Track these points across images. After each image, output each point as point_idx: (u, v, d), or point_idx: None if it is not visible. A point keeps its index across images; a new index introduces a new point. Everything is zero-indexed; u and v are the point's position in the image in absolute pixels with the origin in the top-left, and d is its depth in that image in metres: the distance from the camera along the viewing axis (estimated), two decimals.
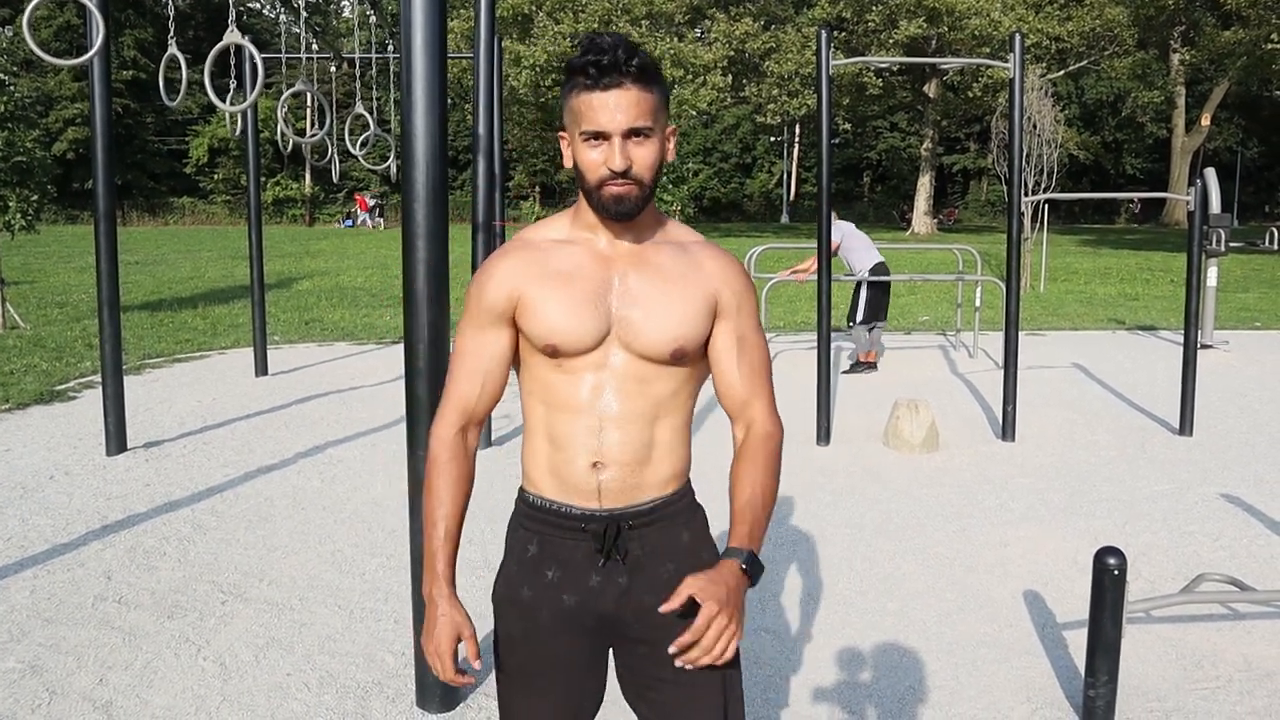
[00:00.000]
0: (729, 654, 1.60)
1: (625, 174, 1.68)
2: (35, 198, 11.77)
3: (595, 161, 1.69)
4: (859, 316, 9.54)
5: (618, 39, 1.66)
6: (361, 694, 3.36)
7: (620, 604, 1.80)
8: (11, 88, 11.72)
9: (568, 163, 1.74)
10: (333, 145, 10.01)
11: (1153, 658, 3.67)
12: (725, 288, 1.80)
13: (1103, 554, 3.11)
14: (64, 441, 6.66)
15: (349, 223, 43.69)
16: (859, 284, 9.61)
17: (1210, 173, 10.61)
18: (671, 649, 1.60)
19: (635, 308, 1.75)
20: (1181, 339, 7.92)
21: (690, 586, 1.60)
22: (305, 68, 8.71)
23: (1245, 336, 11.95)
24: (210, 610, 4.01)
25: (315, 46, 9.73)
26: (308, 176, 48.46)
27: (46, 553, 4.63)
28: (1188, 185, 7.26)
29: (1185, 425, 7.01)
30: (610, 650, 1.88)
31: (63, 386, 8.48)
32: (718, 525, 1.91)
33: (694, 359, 1.81)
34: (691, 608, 1.61)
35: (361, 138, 9.88)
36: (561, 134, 1.75)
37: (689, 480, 1.88)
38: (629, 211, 1.71)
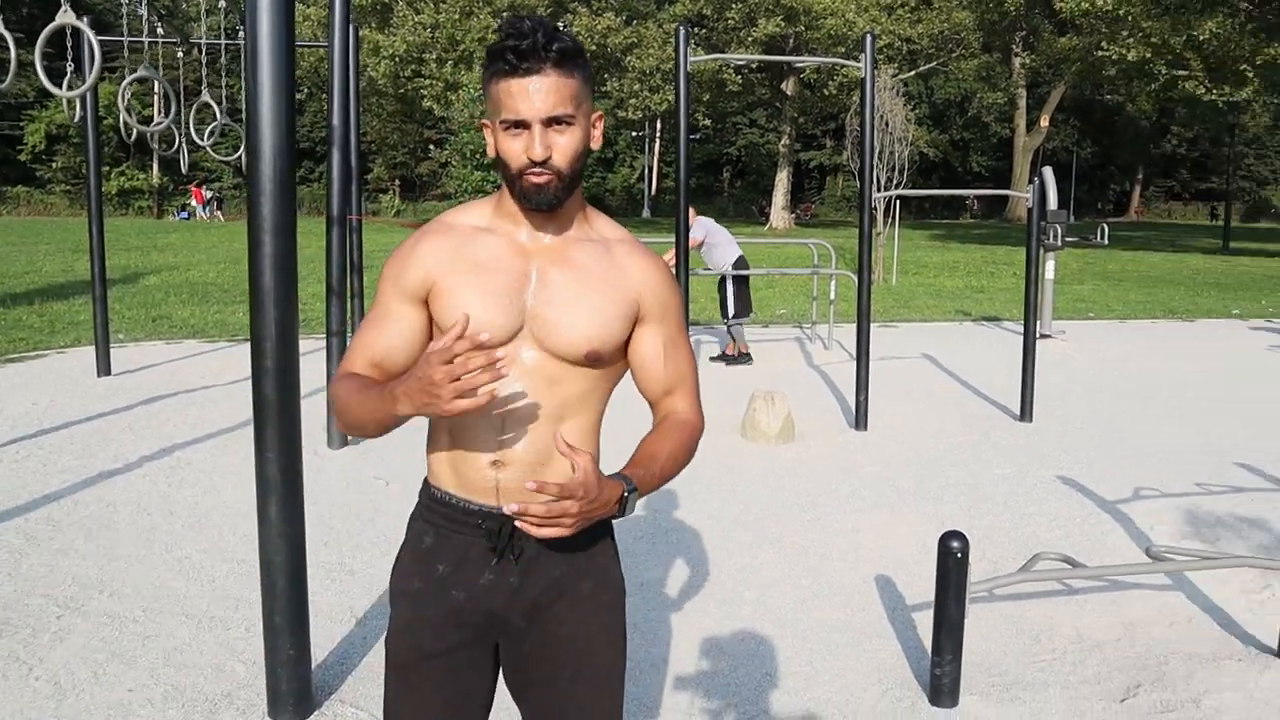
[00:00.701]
0: (549, 531, 1.54)
1: (545, 163, 1.63)
2: None
3: (515, 150, 1.64)
4: (730, 311, 9.73)
5: (538, 22, 1.60)
6: (210, 707, 3.23)
7: (509, 603, 1.77)
8: None
9: (491, 152, 1.69)
10: (180, 135, 9.59)
11: (995, 634, 3.84)
12: (648, 292, 1.76)
13: (946, 538, 3.24)
14: None
15: (184, 215, 41.91)
16: (724, 279, 9.77)
17: (1048, 171, 11.17)
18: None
19: (551, 306, 1.70)
20: (1022, 329, 8.31)
21: (576, 480, 1.53)
22: (150, 52, 8.33)
23: (1080, 326, 12.63)
24: (44, 626, 3.80)
25: (161, 30, 9.30)
26: (155, 167, 46.35)
27: None
28: (1028, 183, 7.62)
29: (1025, 412, 7.36)
30: (497, 649, 1.85)
31: None
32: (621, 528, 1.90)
33: (609, 362, 1.77)
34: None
35: (210, 127, 9.51)
36: (484, 122, 1.70)
37: None
38: (549, 202, 1.66)
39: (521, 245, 1.74)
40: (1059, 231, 10.92)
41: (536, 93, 1.61)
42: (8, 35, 5.75)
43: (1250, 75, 27.73)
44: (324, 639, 3.64)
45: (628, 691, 3.36)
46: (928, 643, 3.66)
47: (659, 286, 1.78)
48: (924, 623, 3.87)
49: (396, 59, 35.14)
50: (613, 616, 1.86)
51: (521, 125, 1.63)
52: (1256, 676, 3.51)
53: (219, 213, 42.64)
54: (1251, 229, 45.06)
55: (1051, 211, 11.00)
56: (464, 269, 1.72)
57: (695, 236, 9.60)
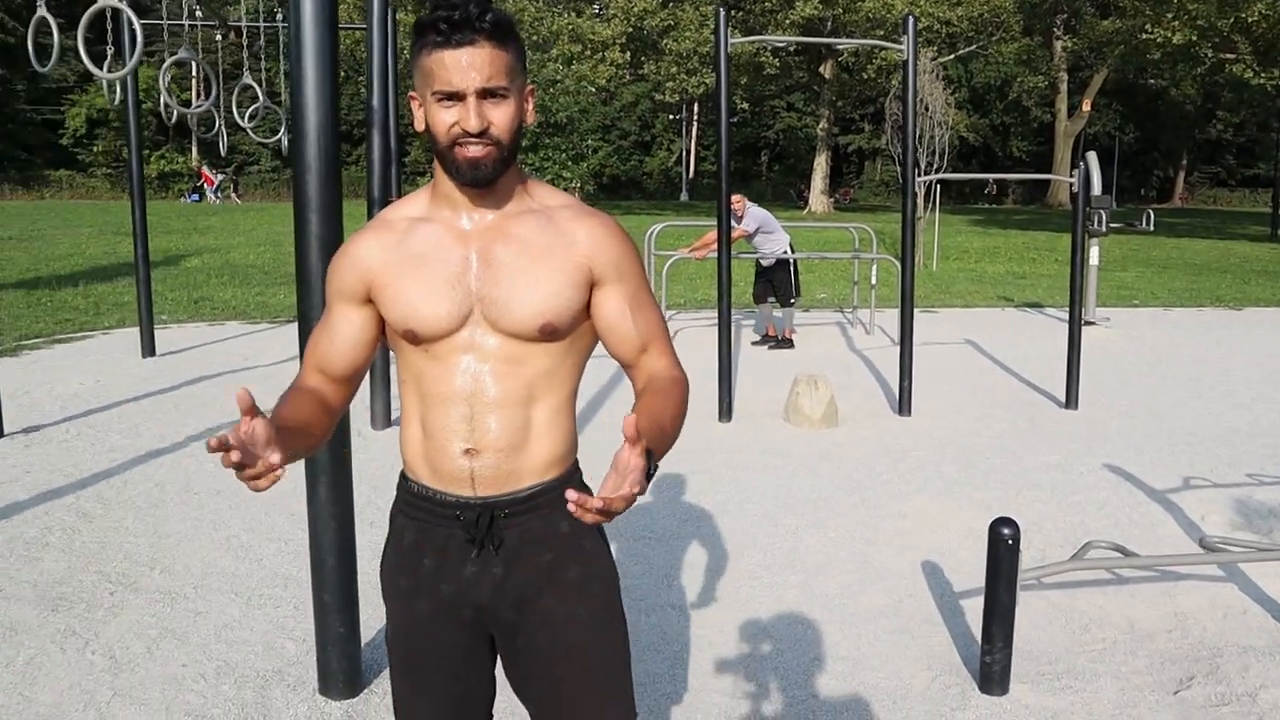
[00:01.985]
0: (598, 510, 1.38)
1: (483, 134, 1.59)
2: None
3: (447, 122, 1.60)
4: (793, 295, 9.81)
5: None
6: (261, 683, 3.27)
7: (496, 595, 1.75)
8: None
9: (419, 125, 1.65)
10: (220, 117, 9.67)
11: (1045, 622, 3.80)
12: (599, 255, 1.70)
13: (997, 524, 3.20)
14: None
15: (194, 197, 42.19)
16: (788, 263, 9.77)
17: (1092, 156, 11.01)
18: (569, 496, 1.37)
19: (497, 285, 1.66)
20: (1066, 316, 8.20)
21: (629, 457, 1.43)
22: (189, 35, 8.39)
23: (1125, 313, 12.45)
24: (98, 601, 3.85)
25: (199, 13, 9.37)
26: (194, 149, 46.77)
27: None
28: (1070, 168, 7.48)
29: (1071, 399, 7.27)
30: (492, 641, 1.83)
31: None
32: None
33: (570, 334, 1.71)
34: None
35: (250, 110, 9.57)
36: (412, 95, 1.65)
37: (574, 464, 1.80)
38: (487, 176, 1.62)
39: (460, 229, 1.70)
40: (1103, 217, 10.75)
41: (471, 64, 1.57)
42: (51, 19, 5.81)
43: None
44: (372, 618, 3.66)
45: (673, 675, 3.36)
46: (976, 630, 3.62)
47: (609, 246, 1.71)
48: (972, 610, 3.83)
49: None
50: (604, 602, 1.81)
51: (455, 97, 1.59)
52: None
53: (235, 195, 42.81)
54: None
55: (1096, 197, 10.83)
56: (403, 264, 1.69)
57: (747, 228, 9.58)
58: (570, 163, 30.73)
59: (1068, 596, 4.02)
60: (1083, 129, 45.13)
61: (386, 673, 3.32)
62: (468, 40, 1.57)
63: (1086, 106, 44.02)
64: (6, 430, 6.17)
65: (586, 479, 1.85)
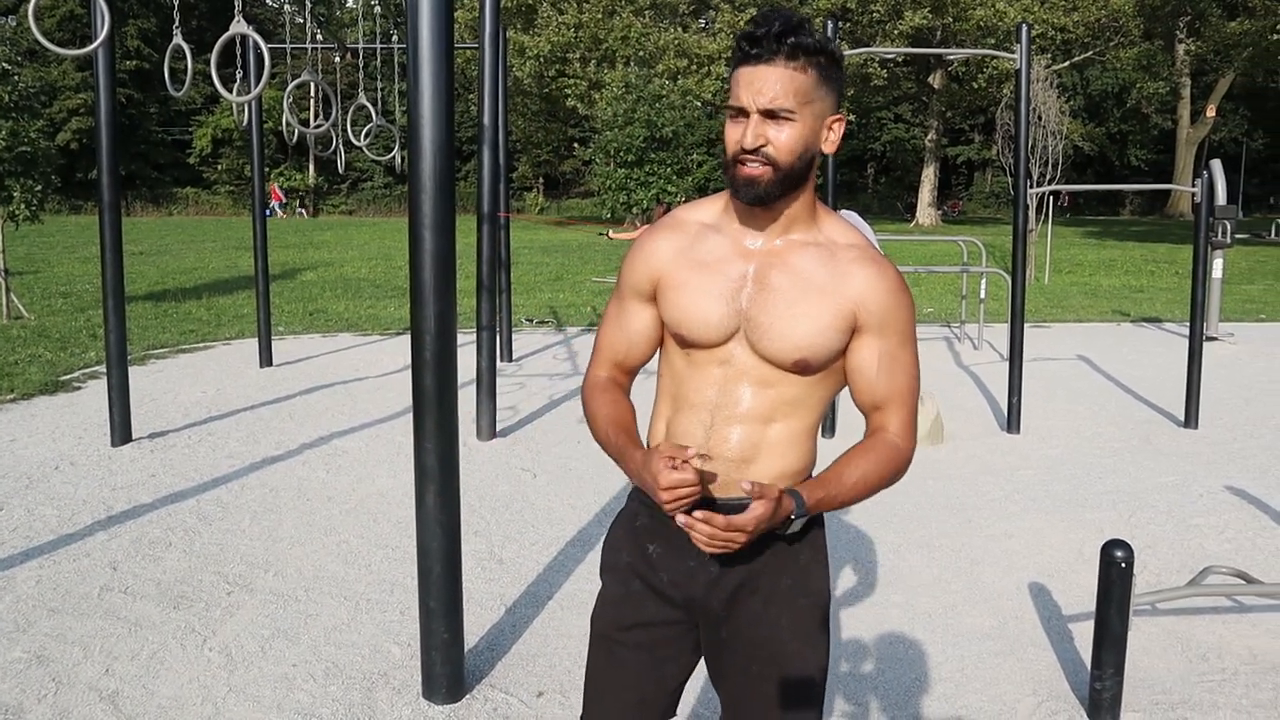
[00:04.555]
0: (716, 549, 1.59)
1: (757, 152, 1.60)
2: (39, 188, 11.75)
3: (732, 137, 1.63)
4: None
5: (785, 15, 1.59)
6: (367, 685, 3.36)
7: (709, 591, 1.79)
8: (15, 78, 11.69)
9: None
10: (337, 136, 9.99)
11: (1159, 650, 3.66)
12: (868, 302, 1.69)
13: (1110, 546, 3.10)
14: (69, 432, 6.66)
15: (266, 212, 43.86)
16: None
17: (1216, 164, 10.58)
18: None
19: (764, 311, 1.69)
20: (1186, 331, 7.89)
21: (764, 504, 1.58)
22: (310, 58, 8.70)
23: (1250, 329, 11.93)
24: (216, 601, 4.02)
25: (319, 37, 9.72)
26: (311, 168, 48.43)
27: (52, 543, 4.64)
28: (1193, 177, 7.21)
29: (1190, 418, 6.99)
30: (699, 633, 1.87)
31: (67, 377, 8.49)
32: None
33: (820, 369, 1.73)
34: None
35: (365, 129, 9.86)
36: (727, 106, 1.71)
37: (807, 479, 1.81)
38: (760, 196, 1.64)
39: (744, 246, 1.73)
40: (1228, 228, 10.33)
41: (759, 82, 1.59)
42: (185, 46, 6.11)
43: None
44: (475, 625, 3.74)
45: None
46: (1085, 655, 3.52)
47: (881, 296, 1.69)
48: (1081, 634, 3.72)
49: (541, 59, 35.76)
50: (809, 618, 1.82)
51: (742, 113, 1.61)
52: None
53: (302, 210, 44.70)
54: None
55: (1220, 207, 10.41)
56: (687, 267, 1.74)
57: None
58: (675, 176, 30.88)
59: (1184, 624, 3.87)
60: (1206, 135, 43.41)
61: (487, 680, 3.39)
62: (764, 58, 1.59)
63: (1211, 112, 42.31)
64: (134, 435, 6.49)
65: None
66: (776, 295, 1.69)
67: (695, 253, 1.74)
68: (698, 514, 1.56)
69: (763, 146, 1.61)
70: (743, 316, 1.70)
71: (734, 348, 1.71)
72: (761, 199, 1.64)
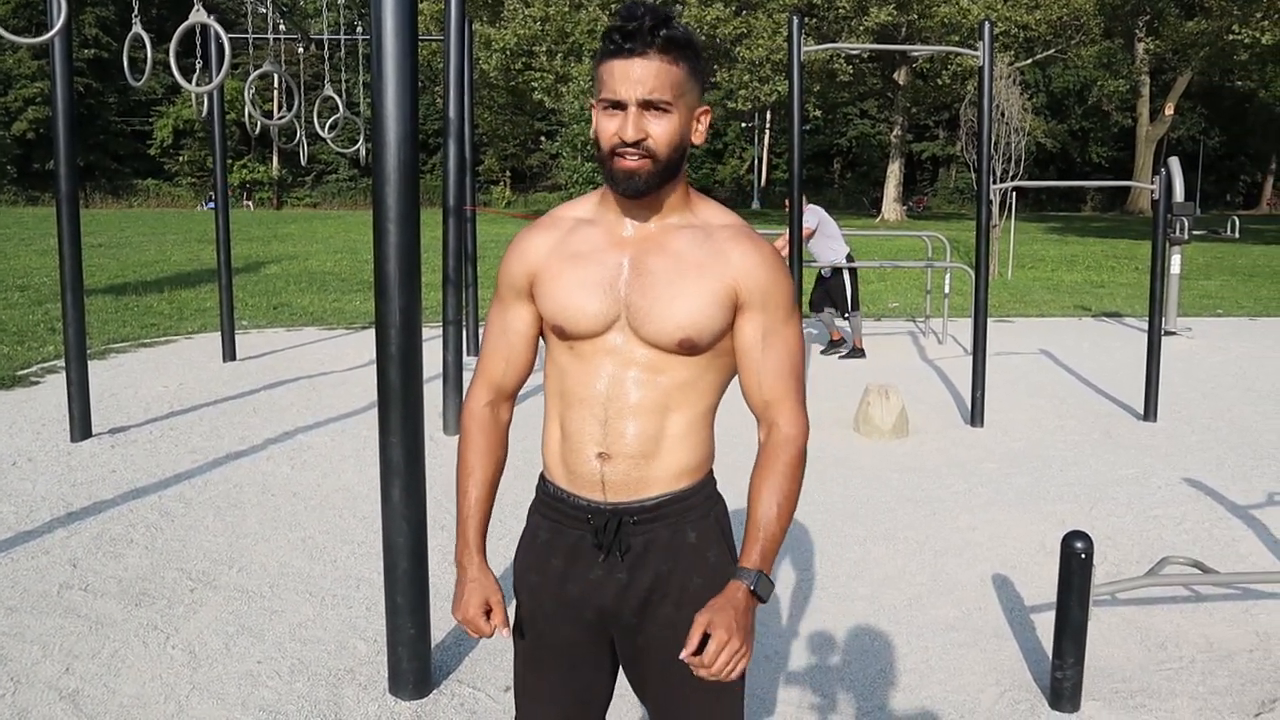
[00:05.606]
0: (737, 674, 1.57)
1: (638, 145, 1.61)
2: None
3: (609, 130, 1.63)
4: (853, 304, 9.68)
5: (651, 8, 1.60)
6: (334, 681, 3.34)
7: (619, 599, 1.78)
8: None
9: (594, 133, 1.70)
10: (301, 128, 9.90)
11: (1118, 639, 3.72)
12: (748, 279, 1.70)
13: (1070, 538, 3.14)
14: (27, 427, 6.56)
15: (210, 204, 43.71)
16: (844, 272, 9.66)
17: (1174, 161, 10.73)
18: (684, 656, 1.56)
19: (644, 294, 1.69)
20: (1146, 326, 8.00)
21: (700, 625, 1.56)
22: (272, 49, 8.61)
23: (1207, 324, 12.12)
24: (179, 598, 3.98)
25: (283, 27, 9.62)
26: (275, 159, 47.96)
27: (10, 540, 4.57)
28: (1152, 174, 7.32)
29: (1150, 411, 7.10)
30: (613, 642, 1.87)
31: (24, 371, 8.36)
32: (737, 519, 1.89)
33: (710, 350, 1.72)
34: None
35: (330, 120, 9.78)
36: (592, 103, 1.70)
37: (707, 475, 1.81)
38: (640, 188, 1.65)
39: (619, 236, 1.73)
40: (1185, 224, 10.49)
41: (635, 75, 1.60)
42: (144, 35, 6.03)
43: None
44: (442, 620, 3.72)
45: None
46: (1047, 645, 3.57)
47: (760, 273, 1.71)
48: (1043, 624, 3.77)
49: (507, 52, 35.57)
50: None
51: (618, 106, 1.62)
52: None
53: (248, 202, 44.97)
54: None
55: (1178, 203, 10.56)
56: (563, 260, 1.74)
57: (808, 224, 9.49)
58: None
59: (1143, 613, 3.93)
60: (1165, 133, 44.01)
61: (454, 675, 3.39)
62: (638, 52, 1.60)
63: (1169, 110, 42.92)
64: (95, 431, 6.40)
65: (722, 488, 1.87)
66: (654, 278, 1.69)
67: (570, 246, 1.75)
68: (694, 659, 1.56)
69: (643, 140, 1.62)
70: (623, 303, 1.70)
71: (617, 336, 1.71)
72: (641, 191, 1.65)
